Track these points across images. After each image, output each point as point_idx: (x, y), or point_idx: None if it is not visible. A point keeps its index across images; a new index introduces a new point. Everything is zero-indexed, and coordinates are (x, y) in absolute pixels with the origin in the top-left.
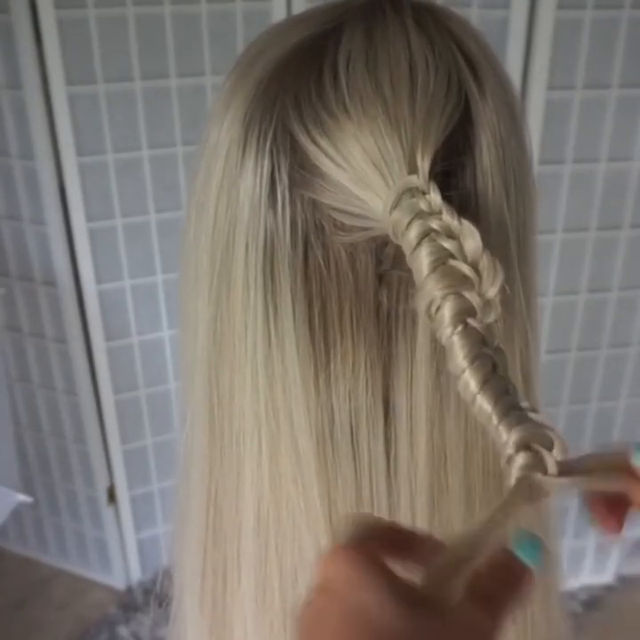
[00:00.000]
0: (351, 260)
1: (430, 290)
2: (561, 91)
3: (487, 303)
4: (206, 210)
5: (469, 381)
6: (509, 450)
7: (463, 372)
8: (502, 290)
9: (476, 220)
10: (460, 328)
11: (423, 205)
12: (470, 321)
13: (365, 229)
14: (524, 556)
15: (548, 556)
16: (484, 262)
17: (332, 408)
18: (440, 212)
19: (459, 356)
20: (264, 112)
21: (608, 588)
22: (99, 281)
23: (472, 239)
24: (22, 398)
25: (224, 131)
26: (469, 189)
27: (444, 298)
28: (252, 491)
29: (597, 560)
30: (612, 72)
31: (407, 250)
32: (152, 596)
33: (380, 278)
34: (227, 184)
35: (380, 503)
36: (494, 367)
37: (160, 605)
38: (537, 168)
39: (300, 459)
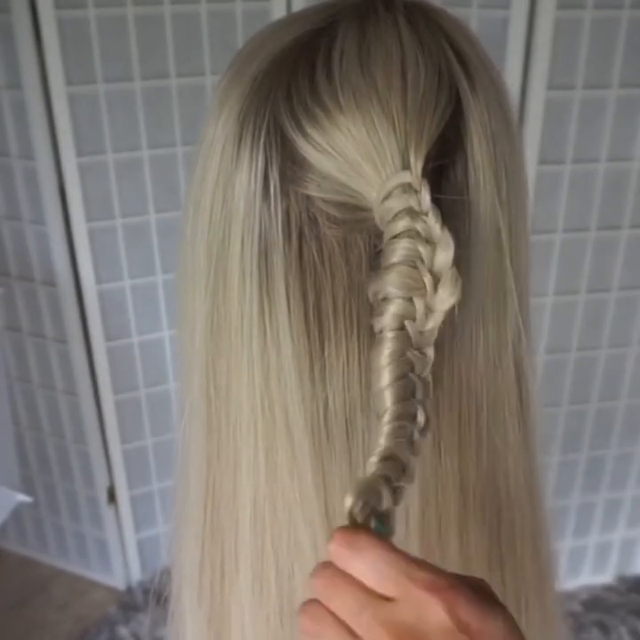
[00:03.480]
0: (345, 252)
1: (386, 281)
2: (561, 91)
3: (431, 314)
4: (202, 205)
5: (382, 378)
6: (373, 458)
7: (381, 369)
8: (451, 309)
9: (467, 213)
10: (394, 327)
11: (413, 203)
12: (407, 324)
13: (358, 222)
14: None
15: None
16: (447, 277)
17: (326, 399)
18: (427, 214)
19: (383, 353)
20: (258, 108)
21: (608, 588)
22: (99, 281)
23: (445, 251)
24: (22, 398)
25: (220, 127)
26: (461, 184)
27: (394, 296)
28: (249, 483)
29: (597, 560)
30: (612, 72)
31: (387, 236)
32: (151, 594)
33: (374, 270)
34: (222, 180)
35: None
36: (411, 371)
37: (158, 603)
38: (537, 168)
39: (295, 450)
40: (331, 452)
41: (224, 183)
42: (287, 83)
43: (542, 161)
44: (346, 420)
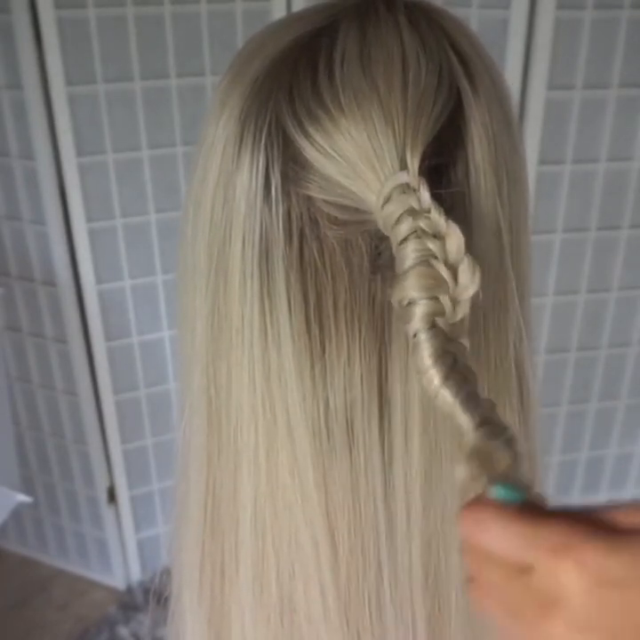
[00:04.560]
0: (346, 253)
1: (407, 287)
2: (561, 91)
3: (457, 305)
4: (203, 206)
5: (433, 379)
6: (469, 436)
7: (428, 370)
8: (476, 295)
9: (468, 214)
10: (427, 328)
11: (413, 202)
12: (438, 320)
13: (359, 223)
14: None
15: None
16: (464, 266)
17: (327, 400)
18: (429, 211)
19: (424, 355)
20: (259, 108)
21: None
22: (99, 281)
23: (456, 241)
24: (22, 398)
25: (220, 128)
26: (462, 184)
27: (418, 297)
28: (249, 483)
29: None
30: (612, 72)
31: (394, 242)
32: (151, 594)
33: (375, 271)
34: (223, 180)
35: (375, 494)
36: (455, 361)
37: (158, 602)
38: (537, 168)
39: (295, 450)
40: (331, 452)
41: (225, 183)
42: (289, 83)
43: (542, 161)
44: (347, 420)
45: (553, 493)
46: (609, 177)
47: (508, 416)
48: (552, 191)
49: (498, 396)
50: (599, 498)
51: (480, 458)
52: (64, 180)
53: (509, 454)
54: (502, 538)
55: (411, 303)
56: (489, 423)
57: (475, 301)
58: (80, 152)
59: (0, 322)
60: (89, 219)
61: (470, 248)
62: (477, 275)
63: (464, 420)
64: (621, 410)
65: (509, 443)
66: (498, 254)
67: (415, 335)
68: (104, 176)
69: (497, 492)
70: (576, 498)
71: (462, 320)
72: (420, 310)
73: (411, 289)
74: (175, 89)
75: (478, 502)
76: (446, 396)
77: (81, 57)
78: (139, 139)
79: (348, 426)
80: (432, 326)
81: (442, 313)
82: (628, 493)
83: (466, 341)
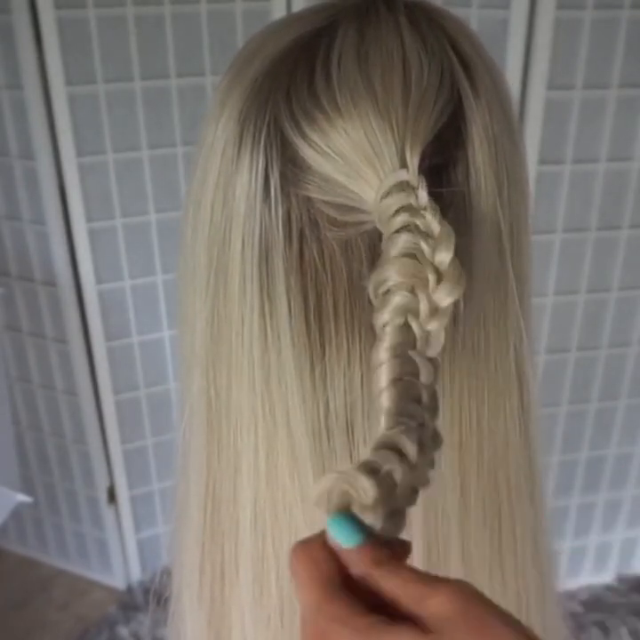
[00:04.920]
0: (345, 255)
1: (388, 272)
2: (561, 91)
3: (435, 311)
4: (203, 207)
5: (382, 376)
6: (365, 455)
7: (381, 365)
8: (456, 304)
9: (468, 214)
10: (397, 322)
11: (412, 200)
12: (411, 320)
13: (358, 224)
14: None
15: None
16: (450, 271)
17: (327, 402)
18: (425, 209)
19: (382, 347)
20: (258, 109)
21: (608, 588)
22: (99, 281)
23: (447, 245)
24: (22, 398)
25: (220, 129)
26: (462, 184)
27: (396, 286)
28: (249, 485)
29: (597, 560)
30: (611, 72)
31: (386, 233)
32: (151, 594)
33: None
34: (223, 181)
35: None
36: (414, 374)
37: (158, 603)
38: (537, 168)
39: (295, 452)
40: (331, 453)
41: (224, 184)
42: (287, 84)
43: (542, 161)
44: (347, 422)
45: (553, 493)
46: (609, 177)
47: (508, 417)
48: (552, 191)
49: (498, 397)
50: (599, 498)
51: (344, 485)
52: (64, 180)
53: (378, 493)
54: (302, 592)
55: (387, 292)
56: (394, 449)
57: (456, 315)
58: (80, 152)
59: (0, 322)
60: (89, 219)
61: (471, 249)
62: (461, 284)
63: (379, 434)
64: (621, 410)
65: (391, 479)
66: (498, 255)
67: (383, 327)
68: (104, 176)
69: (332, 528)
70: (576, 498)
71: (437, 332)
72: (394, 300)
73: (390, 272)
74: (175, 89)
75: (316, 538)
76: (383, 401)
77: (81, 57)
78: (139, 139)
79: (348, 428)
80: (403, 324)
81: (416, 312)
82: (628, 493)
83: (438, 362)
